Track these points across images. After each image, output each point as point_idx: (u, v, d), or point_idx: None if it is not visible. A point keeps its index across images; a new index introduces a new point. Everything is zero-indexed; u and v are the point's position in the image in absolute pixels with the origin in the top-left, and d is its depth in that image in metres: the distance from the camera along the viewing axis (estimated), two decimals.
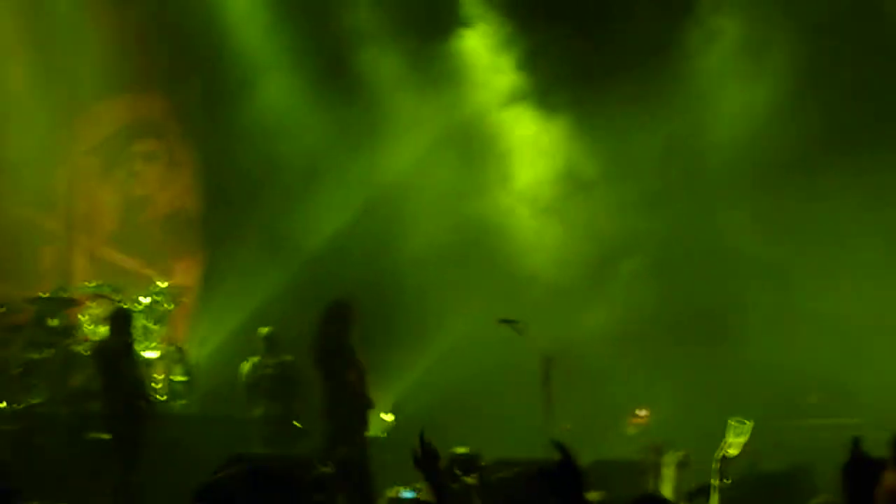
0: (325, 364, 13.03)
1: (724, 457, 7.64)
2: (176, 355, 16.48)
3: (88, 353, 15.46)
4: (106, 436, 14.28)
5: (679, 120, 18.47)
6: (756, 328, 17.23)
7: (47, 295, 16.29)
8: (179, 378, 16.39)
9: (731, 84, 18.48)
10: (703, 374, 17.02)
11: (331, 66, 19.11)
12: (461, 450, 11.13)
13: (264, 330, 15.95)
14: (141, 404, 13.83)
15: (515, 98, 19.17)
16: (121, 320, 14.27)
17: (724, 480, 7.56)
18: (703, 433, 15.55)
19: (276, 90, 18.87)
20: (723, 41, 18.50)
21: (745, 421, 7.70)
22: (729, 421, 7.72)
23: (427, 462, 7.44)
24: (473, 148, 19.29)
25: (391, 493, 8.00)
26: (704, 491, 8.09)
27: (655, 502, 6.38)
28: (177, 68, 20.21)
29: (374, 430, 17.16)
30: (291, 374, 15.60)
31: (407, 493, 7.42)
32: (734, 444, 7.61)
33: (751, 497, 10.26)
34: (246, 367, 15.74)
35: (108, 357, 13.91)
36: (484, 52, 19.31)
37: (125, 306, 15.64)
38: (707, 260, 18.19)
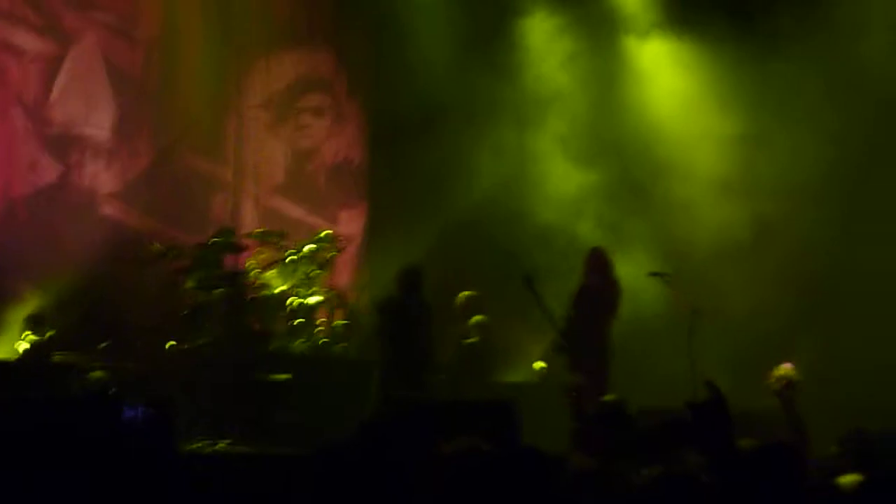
0: None
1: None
2: (336, 300, 16.58)
3: (253, 296, 15.67)
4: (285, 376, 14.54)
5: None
6: None
7: (216, 240, 16.53)
8: (340, 322, 16.49)
9: None
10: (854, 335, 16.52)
11: (490, 20, 19.00)
12: (608, 397, 11.02)
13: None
14: (423, 377, 13.54)
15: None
16: (406, 278, 13.74)
17: None
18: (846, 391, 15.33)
19: (438, 45, 18.75)
20: None
21: None
22: None
23: None
24: (625, 102, 19.05)
25: None
26: None
27: (785, 450, 6.11)
28: (343, 25, 20.34)
29: (527, 377, 17.15)
30: None
31: None
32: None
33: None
34: None
35: (391, 315, 13.67)
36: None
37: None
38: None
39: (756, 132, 18.00)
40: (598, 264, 13.70)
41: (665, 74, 18.84)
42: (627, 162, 18.76)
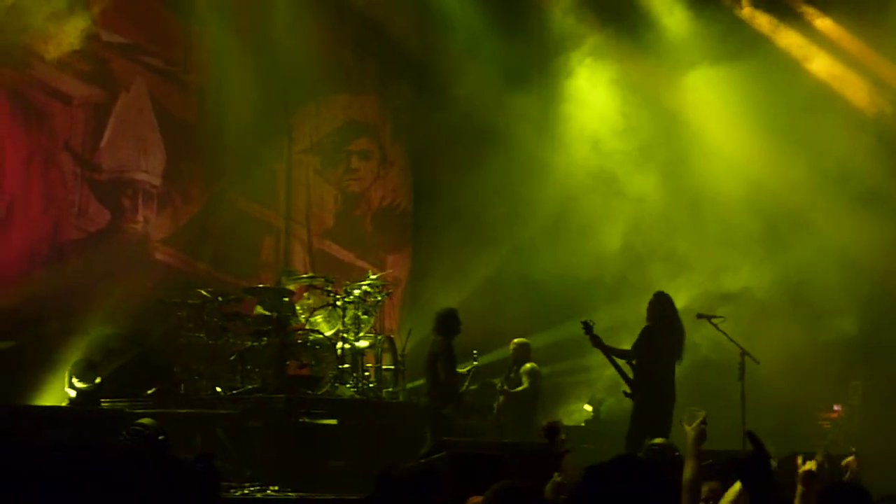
0: None
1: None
2: (385, 344, 16.27)
3: (301, 342, 15.45)
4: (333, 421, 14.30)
5: None
6: None
7: (265, 286, 16.34)
8: (388, 366, 16.22)
9: None
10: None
11: (534, 67, 18.84)
12: (657, 440, 10.75)
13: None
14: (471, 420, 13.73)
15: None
16: (441, 321, 14.07)
17: None
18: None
19: (480, 90, 18.57)
20: None
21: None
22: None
23: None
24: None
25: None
26: None
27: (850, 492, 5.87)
28: (388, 71, 20.28)
29: (574, 420, 16.92)
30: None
31: None
32: None
33: None
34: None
35: (431, 358, 13.85)
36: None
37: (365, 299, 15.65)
38: None
39: None
40: (662, 308, 13.49)
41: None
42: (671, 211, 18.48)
